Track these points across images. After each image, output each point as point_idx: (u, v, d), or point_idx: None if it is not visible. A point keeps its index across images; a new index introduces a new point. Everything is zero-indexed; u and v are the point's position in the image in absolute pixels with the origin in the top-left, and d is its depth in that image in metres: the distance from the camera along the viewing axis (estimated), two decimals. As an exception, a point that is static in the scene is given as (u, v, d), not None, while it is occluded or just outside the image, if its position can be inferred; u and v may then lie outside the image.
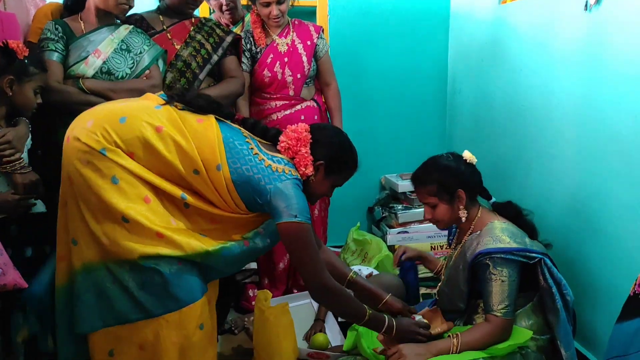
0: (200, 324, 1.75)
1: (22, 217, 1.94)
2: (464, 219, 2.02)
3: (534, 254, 1.90)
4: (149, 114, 1.72)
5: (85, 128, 1.68)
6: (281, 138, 1.85)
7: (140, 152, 1.68)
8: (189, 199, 1.73)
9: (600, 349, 2.15)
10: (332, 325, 2.55)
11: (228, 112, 1.87)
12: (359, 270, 2.62)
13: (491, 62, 2.94)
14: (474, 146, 2.84)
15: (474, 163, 2.05)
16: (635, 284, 1.45)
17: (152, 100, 1.81)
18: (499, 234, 1.92)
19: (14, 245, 1.93)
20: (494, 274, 1.88)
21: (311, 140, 1.84)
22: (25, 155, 1.95)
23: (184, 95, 1.81)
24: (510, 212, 2.06)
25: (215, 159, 1.72)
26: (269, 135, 1.89)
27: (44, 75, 2.00)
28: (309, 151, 1.83)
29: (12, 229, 1.95)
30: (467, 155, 2.05)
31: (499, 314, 1.88)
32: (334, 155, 1.87)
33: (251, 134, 1.86)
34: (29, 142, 1.99)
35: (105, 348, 1.73)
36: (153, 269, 1.67)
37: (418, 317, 1.98)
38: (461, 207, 2.00)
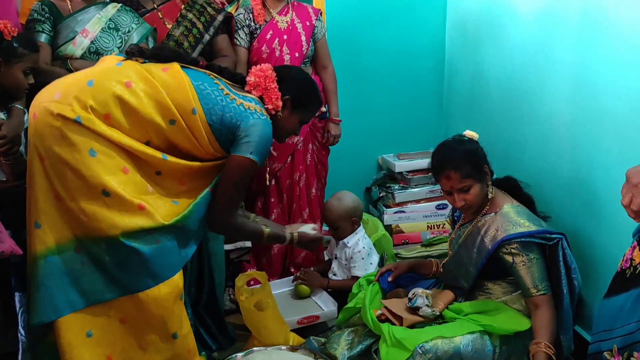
0: (180, 294, 1.79)
1: (18, 200, 1.95)
2: (490, 195, 2.03)
3: (553, 235, 1.93)
4: (114, 72, 1.72)
5: (53, 101, 1.65)
6: (248, 77, 1.92)
7: (117, 112, 1.67)
8: (169, 158, 1.75)
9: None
10: (323, 297, 2.59)
11: (191, 58, 1.89)
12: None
13: (488, 41, 2.91)
14: (470, 125, 2.81)
15: (476, 139, 2.07)
16: (622, 260, 1.46)
17: (111, 60, 1.81)
18: (516, 217, 1.94)
19: (12, 228, 1.94)
20: (521, 260, 1.91)
21: (276, 78, 1.91)
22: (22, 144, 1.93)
23: (144, 51, 1.82)
24: (509, 185, 2.10)
25: (190, 104, 1.74)
26: (237, 79, 1.95)
27: (35, 55, 1.96)
28: (277, 87, 1.90)
29: (9, 212, 1.95)
30: (469, 133, 2.06)
31: (539, 294, 1.91)
32: (298, 90, 1.96)
33: (219, 77, 1.88)
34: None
35: (80, 330, 1.71)
36: (132, 249, 1.66)
37: (425, 293, 2.03)
38: (489, 182, 2.03)
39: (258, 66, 1.95)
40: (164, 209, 1.73)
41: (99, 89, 1.67)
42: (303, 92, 1.99)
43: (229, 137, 1.81)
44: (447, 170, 1.99)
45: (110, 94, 1.67)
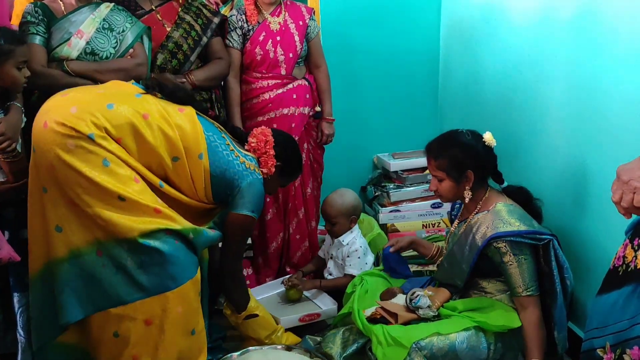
0: (199, 291, 1.85)
1: (18, 200, 1.94)
2: (467, 200, 2.03)
3: (543, 236, 1.93)
4: (133, 101, 1.78)
5: (69, 114, 1.69)
6: (250, 139, 2.03)
7: (129, 139, 1.74)
8: (165, 187, 1.81)
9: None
10: (322, 296, 2.60)
11: (204, 107, 1.99)
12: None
13: (483, 41, 2.93)
14: (465, 124, 2.83)
15: (493, 146, 2.05)
16: (615, 258, 1.47)
17: (130, 89, 1.87)
18: (507, 216, 1.94)
19: (10, 227, 1.95)
20: (509, 259, 1.92)
21: (273, 143, 2.02)
22: (19, 143, 1.92)
23: (163, 87, 1.88)
24: (521, 197, 2.09)
25: (199, 148, 1.83)
26: (237, 134, 2.06)
27: (23, 48, 1.92)
28: (274, 153, 2.01)
29: (8, 212, 1.96)
30: (487, 137, 2.05)
31: (526, 294, 1.92)
32: (290, 159, 2.11)
33: (224, 130, 1.98)
34: None
35: (109, 330, 1.76)
36: (152, 248, 1.70)
37: (427, 294, 2.04)
38: (467, 187, 2.01)
39: (259, 129, 2.07)
40: (179, 216, 1.80)
41: (117, 115, 1.73)
42: (293, 161, 2.14)
43: (226, 191, 1.92)
44: (428, 155, 2.08)
45: (127, 121, 1.74)
